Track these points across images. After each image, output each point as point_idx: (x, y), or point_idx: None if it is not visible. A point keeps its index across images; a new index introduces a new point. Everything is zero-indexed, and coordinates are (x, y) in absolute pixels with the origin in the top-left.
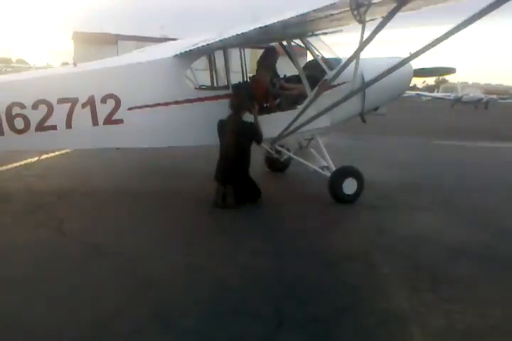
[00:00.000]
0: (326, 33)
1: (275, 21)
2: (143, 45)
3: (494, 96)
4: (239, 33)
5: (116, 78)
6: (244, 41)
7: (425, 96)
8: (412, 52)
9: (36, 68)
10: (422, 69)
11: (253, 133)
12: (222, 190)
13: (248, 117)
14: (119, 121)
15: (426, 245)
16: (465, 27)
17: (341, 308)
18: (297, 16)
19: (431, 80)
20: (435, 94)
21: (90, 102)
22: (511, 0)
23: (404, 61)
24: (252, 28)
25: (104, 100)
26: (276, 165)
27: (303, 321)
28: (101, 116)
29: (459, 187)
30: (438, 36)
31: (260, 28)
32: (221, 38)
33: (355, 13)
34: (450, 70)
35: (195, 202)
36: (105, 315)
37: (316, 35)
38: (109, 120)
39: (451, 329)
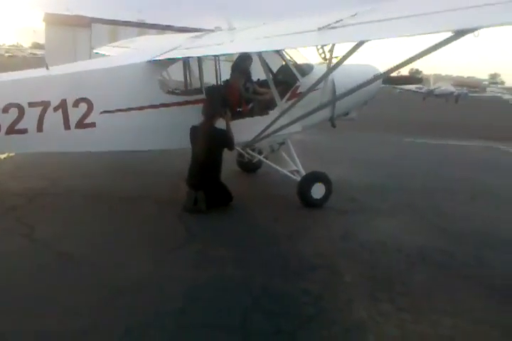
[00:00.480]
0: None
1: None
2: (117, 29)
3: (465, 90)
4: (208, 54)
5: (89, 82)
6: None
7: (398, 88)
8: (382, 72)
9: (6, 50)
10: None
11: (225, 141)
12: (194, 195)
13: (221, 123)
14: (92, 125)
15: (387, 252)
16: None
17: (305, 319)
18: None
19: (404, 71)
20: (408, 86)
21: (62, 106)
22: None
23: (374, 79)
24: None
25: (76, 104)
26: (248, 166)
27: (268, 332)
28: (73, 120)
29: (425, 189)
30: (409, 57)
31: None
32: (198, 55)
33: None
34: (418, 80)
35: (166, 205)
36: (78, 326)
37: None
38: (81, 124)
39: (404, 338)
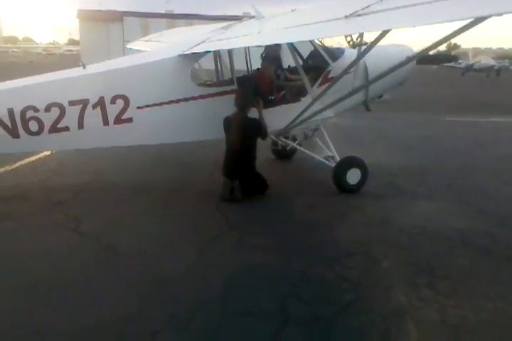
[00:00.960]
0: None
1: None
2: (148, 21)
3: (506, 63)
4: (238, 46)
5: (124, 79)
6: None
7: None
8: (415, 53)
9: (43, 48)
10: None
11: (258, 130)
12: (229, 184)
13: (253, 112)
14: (129, 120)
15: (426, 236)
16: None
17: (343, 305)
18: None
19: (442, 46)
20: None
21: (100, 103)
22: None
23: (407, 61)
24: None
25: (113, 100)
26: (283, 154)
27: (306, 320)
28: (111, 116)
29: (464, 169)
30: (437, 41)
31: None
32: (228, 47)
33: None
34: (451, 58)
35: (204, 195)
36: (127, 313)
37: None
38: (119, 119)
39: (444, 323)
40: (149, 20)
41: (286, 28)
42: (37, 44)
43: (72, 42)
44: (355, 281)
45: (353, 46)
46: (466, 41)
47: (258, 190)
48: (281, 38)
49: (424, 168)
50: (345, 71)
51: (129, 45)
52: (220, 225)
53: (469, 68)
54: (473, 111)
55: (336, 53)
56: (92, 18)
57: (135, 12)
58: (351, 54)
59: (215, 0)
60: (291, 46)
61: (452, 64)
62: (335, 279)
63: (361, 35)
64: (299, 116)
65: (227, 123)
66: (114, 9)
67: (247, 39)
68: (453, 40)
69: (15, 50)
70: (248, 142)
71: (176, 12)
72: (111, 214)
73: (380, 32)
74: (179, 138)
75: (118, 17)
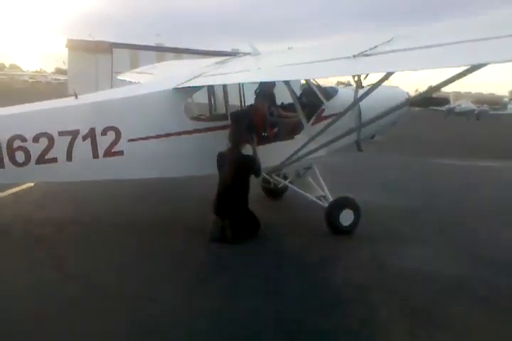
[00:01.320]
0: None
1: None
2: (137, 53)
3: (486, 107)
4: (234, 81)
5: (117, 110)
6: None
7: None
8: (410, 97)
9: (30, 76)
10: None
11: (252, 167)
12: (220, 223)
13: (247, 149)
14: (120, 153)
15: (423, 282)
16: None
17: None
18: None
19: (422, 88)
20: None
21: (91, 134)
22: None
23: (403, 104)
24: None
25: (104, 132)
26: (274, 192)
27: None
28: (101, 149)
29: (456, 212)
30: (436, 84)
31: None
32: (225, 83)
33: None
34: (445, 101)
35: (194, 233)
36: None
37: None
38: (109, 152)
39: None
40: (139, 52)
41: (290, 65)
42: (23, 71)
43: (59, 71)
44: (355, 332)
45: (361, 86)
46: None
47: (250, 230)
48: (286, 75)
49: (415, 210)
50: (344, 113)
51: (119, 77)
52: (209, 266)
53: (451, 111)
54: (459, 154)
55: (329, 92)
56: (81, 48)
57: (125, 44)
58: (345, 93)
59: (205, 35)
60: (287, 83)
61: (435, 106)
62: (333, 329)
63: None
64: (295, 153)
65: (221, 159)
66: (104, 40)
67: (248, 75)
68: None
69: (2, 77)
70: (241, 179)
71: (165, 45)
72: (95, 252)
73: (383, 75)
74: (171, 173)
75: (107, 48)
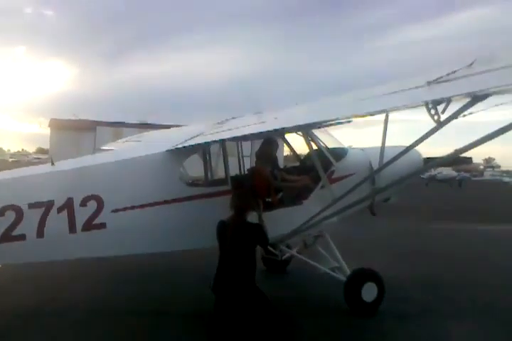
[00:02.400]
0: (335, 124)
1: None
2: (121, 131)
3: (467, 174)
4: (237, 135)
5: (100, 177)
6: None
7: None
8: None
9: (11, 155)
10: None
11: (260, 236)
12: (223, 306)
13: (251, 216)
14: (102, 226)
15: None
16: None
17: None
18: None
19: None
20: None
21: (68, 205)
22: None
23: (425, 168)
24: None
25: (84, 202)
26: (276, 264)
27: None
28: (80, 221)
29: (479, 280)
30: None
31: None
32: (219, 138)
33: (433, 112)
34: (466, 160)
35: (191, 321)
36: None
37: (324, 126)
38: (88, 225)
39: None
40: (122, 129)
41: (327, 106)
42: (4, 152)
43: (40, 150)
44: None
45: (438, 122)
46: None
47: (258, 312)
48: (332, 113)
49: (433, 280)
50: (367, 179)
51: (104, 147)
52: None
53: (432, 178)
54: (455, 218)
55: (338, 152)
56: (64, 127)
57: (108, 122)
58: (356, 153)
59: (190, 112)
60: (305, 133)
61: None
62: None
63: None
64: (309, 220)
65: (222, 228)
66: (87, 119)
67: (263, 125)
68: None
69: None
70: (248, 251)
71: (148, 122)
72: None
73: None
74: (162, 248)
75: (90, 126)
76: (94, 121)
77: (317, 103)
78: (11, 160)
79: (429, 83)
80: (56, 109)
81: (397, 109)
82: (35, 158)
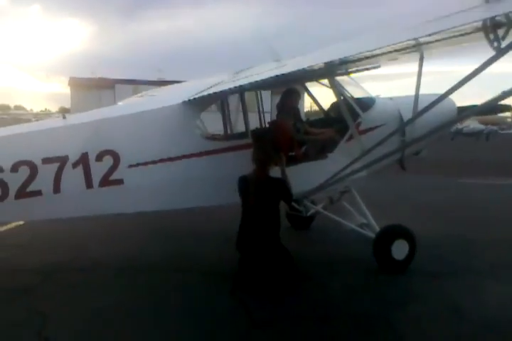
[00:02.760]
0: (362, 70)
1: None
2: (139, 88)
3: (495, 127)
4: (256, 79)
5: (115, 130)
6: (262, 86)
7: None
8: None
9: (34, 115)
10: (474, 106)
11: (284, 192)
12: (248, 263)
13: (274, 171)
14: (119, 182)
15: None
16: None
17: None
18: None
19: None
20: None
21: (83, 161)
22: None
23: (460, 118)
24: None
25: (99, 157)
26: (301, 221)
27: None
28: (96, 177)
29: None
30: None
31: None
32: (237, 84)
33: (492, 37)
34: (507, 107)
35: (214, 279)
36: None
37: (350, 72)
38: (106, 181)
39: None
40: (141, 86)
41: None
42: (27, 111)
43: (63, 110)
44: None
45: (498, 49)
46: None
47: (283, 270)
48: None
49: (466, 238)
50: (398, 130)
51: (120, 102)
52: (238, 325)
53: (458, 132)
54: (483, 173)
55: (365, 102)
56: (84, 86)
57: (127, 79)
58: (384, 103)
59: (206, 68)
60: (334, 82)
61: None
62: None
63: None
64: (336, 174)
65: (244, 183)
66: (106, 77)
67: (289, 67)
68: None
69: (4, 116)
70: (271, 207)
71: (167, 79)
72: (90, 308)
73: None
74: (182, 204)
75: (110, 84)
76: (113, 79)
77: (349, 41)
78: (34, 120)
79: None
80: (75, 68)
81: (452, 29)
82: (57, 117)
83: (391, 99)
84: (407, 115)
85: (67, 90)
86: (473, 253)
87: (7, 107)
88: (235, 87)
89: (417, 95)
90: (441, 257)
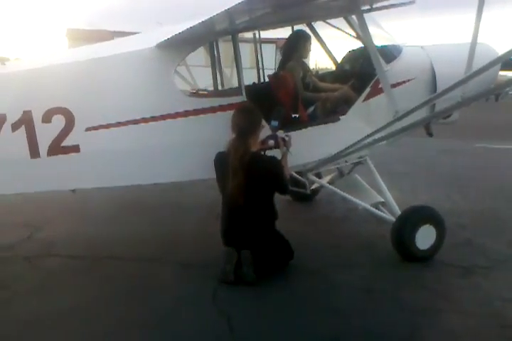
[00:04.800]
0: (390, 7)
1: None
2: None
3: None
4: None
5: (68, 82)
6: (258, 24)
7: None
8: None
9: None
10: None
11: (274, 176)
12: (235, 257)
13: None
14: (73, 149)
15: None
16: None
17: None
18: None
19: None
20: None
21: (26, 121)
22: None
23: (491, 64)
24: None
25: (48, 117)
26: (303, 194)
27: None
28: (43, 143)
29: None
30: None
31: None
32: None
33: None
34: None
35: (194, 271)
36: None
37: (372, 10)
38: (56, 148)
39: None
40: None
41: None
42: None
43: None
44: None
45: None
46: None
47: (279, 263)
48: None
49: (496, 214)
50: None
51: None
52: (217, 331)
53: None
54: (498, 136)
55: (389, 52)
56: (81, 38)
57: (126, 32)
58: (413, 52)
59: None
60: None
61: None
62: None
63: None
64: (357, 143)
65: (221, 162)
66: (105, 29)
67: None
68: None
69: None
70: (259, 192)
71: None
72: (40, 307)
73: None
74: (155, 178)
75: (108, 37)
76: (111, 31)
77: None
78: None
79: None
80: (74, 20)
81: None
82: None
83: (422, 48)
84: (442, 68)
85: (64, 42)
86: (506, 235)
87: (6, 59)
88: (222, 13)
89: (473, 44)
90: (470, 243)
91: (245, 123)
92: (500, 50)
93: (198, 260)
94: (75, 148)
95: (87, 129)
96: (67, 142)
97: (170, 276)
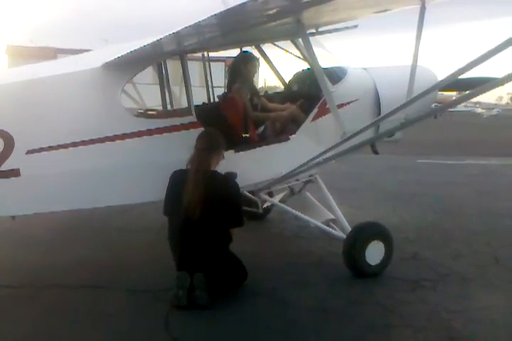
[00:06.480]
0: (334, 31)
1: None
2: None
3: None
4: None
5: (6, 104)
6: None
7: None
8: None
9: None
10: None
11: (230, 203)
12: (188, 281)
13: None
14: (13, 173)
15: None
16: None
17: None
18: None
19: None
20: None
21: None
22: None
23: (433, 88)
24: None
25: None
26: (255, 212)
27: None
28: None
29: (492, 230)
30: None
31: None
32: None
33: None
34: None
35: (144, 298)
36: None
37: (318, 33)
38: None
39: None
40: None
41: None
42: None
43: None
44: None
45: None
46: None
47: (232, 284)
48: None
49: (441, 229)
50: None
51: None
52: None
53: None
54: (440, 151)
55: (335, 73)
56: (22, 55)
57: (70, 49)
58: (357, 74)
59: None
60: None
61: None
62: None
63: None
64: (309, 161)
65: (176, 178)
66: (47, 46)
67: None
68: None
69: None
70: (214, 214)
71: None
72: None
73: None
74: (99, 202)
75: (51, 54)
76: (55, 48)
77: None
78: None
79: None
80: (12, 35)
81: None
82: None
83: (365, 69)
84: (385, 90)
85: (3, 59)
86: (450, 249)
87: None
88: (170, 35)
89: (414, 67)
90: (416, 257)
91: (207, 142)
92: (442, 68)
93: (147, 285)
94: (15, 172)
95: (28, 152)
96: (6, 166)
97: (118, 304)
